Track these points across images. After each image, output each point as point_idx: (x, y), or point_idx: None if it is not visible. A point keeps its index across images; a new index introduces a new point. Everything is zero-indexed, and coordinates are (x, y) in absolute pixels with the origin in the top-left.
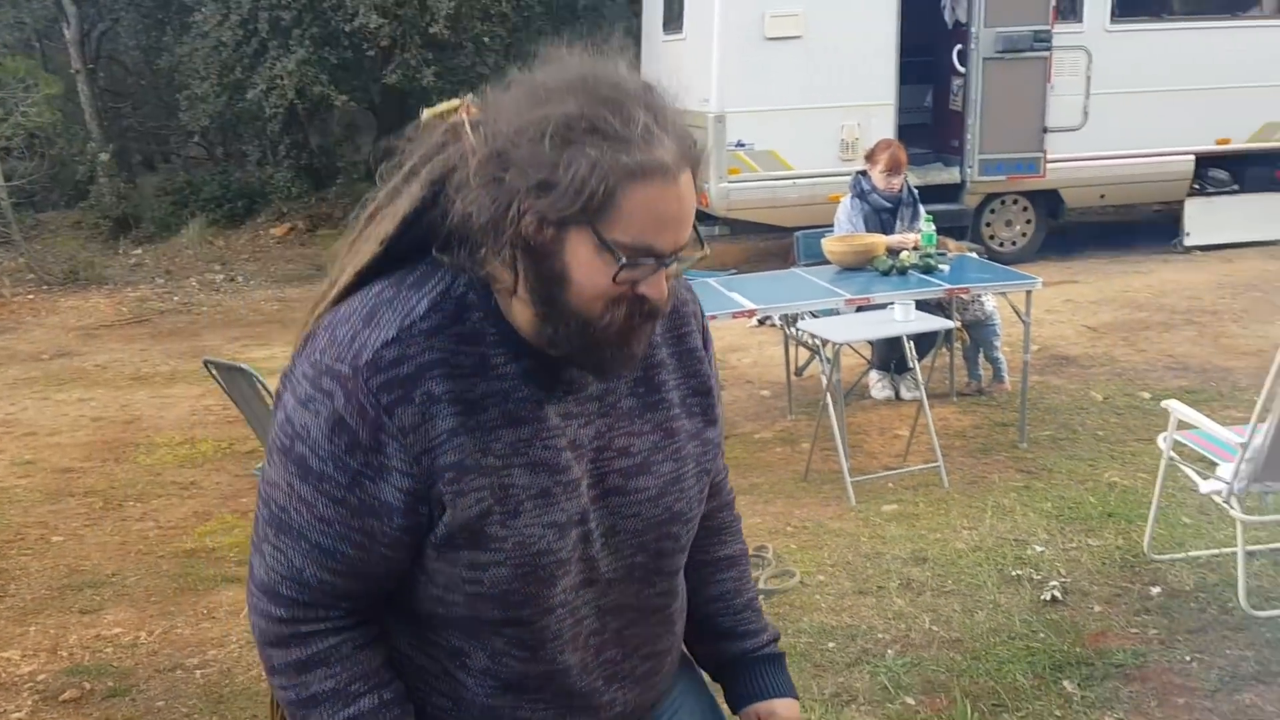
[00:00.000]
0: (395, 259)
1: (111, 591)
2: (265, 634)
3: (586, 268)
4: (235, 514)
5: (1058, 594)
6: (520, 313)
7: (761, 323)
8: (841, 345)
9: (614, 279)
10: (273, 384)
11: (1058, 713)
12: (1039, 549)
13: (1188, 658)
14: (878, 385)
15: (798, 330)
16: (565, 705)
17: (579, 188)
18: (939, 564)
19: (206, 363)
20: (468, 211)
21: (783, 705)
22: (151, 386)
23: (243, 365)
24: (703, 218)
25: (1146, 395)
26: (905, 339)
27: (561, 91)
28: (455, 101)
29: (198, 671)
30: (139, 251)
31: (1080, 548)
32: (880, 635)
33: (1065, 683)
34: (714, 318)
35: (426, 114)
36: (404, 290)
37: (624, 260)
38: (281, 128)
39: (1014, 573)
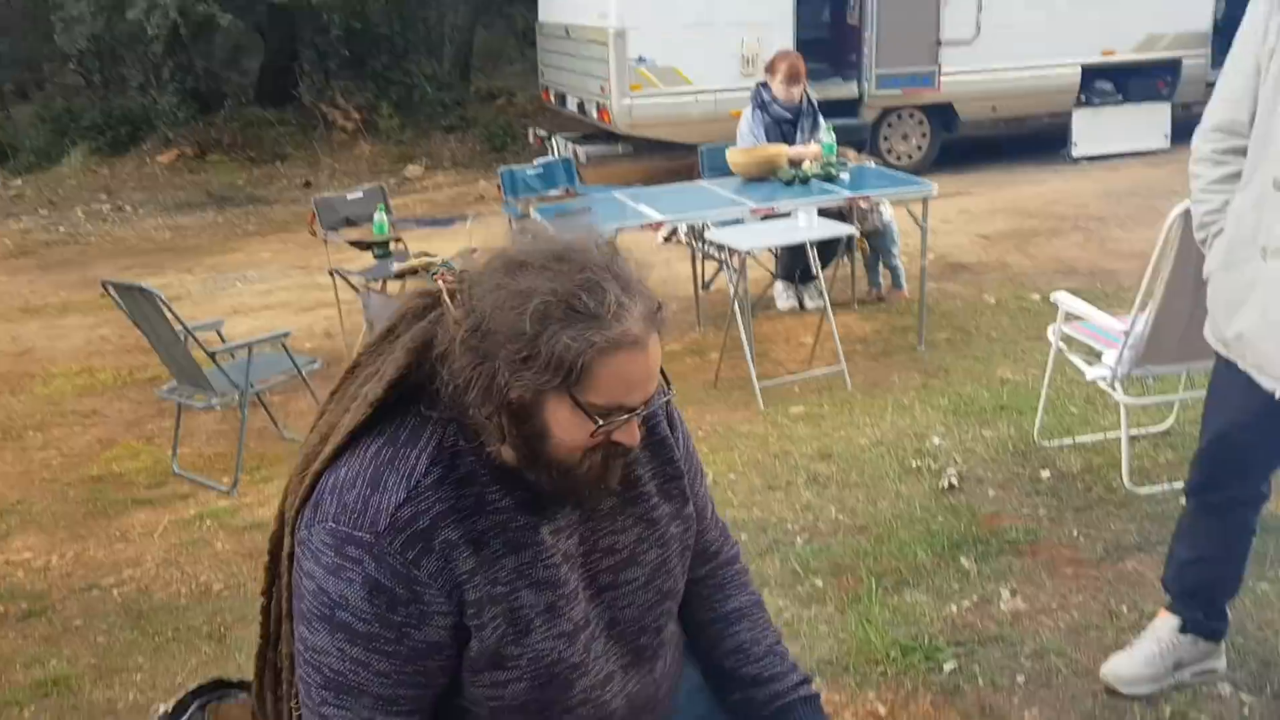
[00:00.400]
0: (381, 411)
1: (17, 519)
2: None
3: (565, 425)
4: (141, 440)
5: (954, 481)
6: (507, 454)
7: (668, 239)
8: (748, 253)
9: (591, 434)
10: (177, 308)
11: (956, 585)
12: (937, 441)
13: (1075, 533)
14: (782, 296)
15: (705, 243)
16: None
17: (557, 365)
18: (844, 459)
19: (105, 284)
20: (455, 382)
21: None
22: (43, 318)
23: (143, 285)
24: (607, 136)
25: (1036, 297)
26: (809, 247)
27: (537, 269)
28: (427, 259)
29: (114, 590)
30: (18, 182)
31: (975, 439)
32: (790, 526)
33: (963, 559)
34: (621, 230)
35: (396, 269)
36: (400, 449)
37: (600, 422)
38: (164, 50)
39: (914, 464)
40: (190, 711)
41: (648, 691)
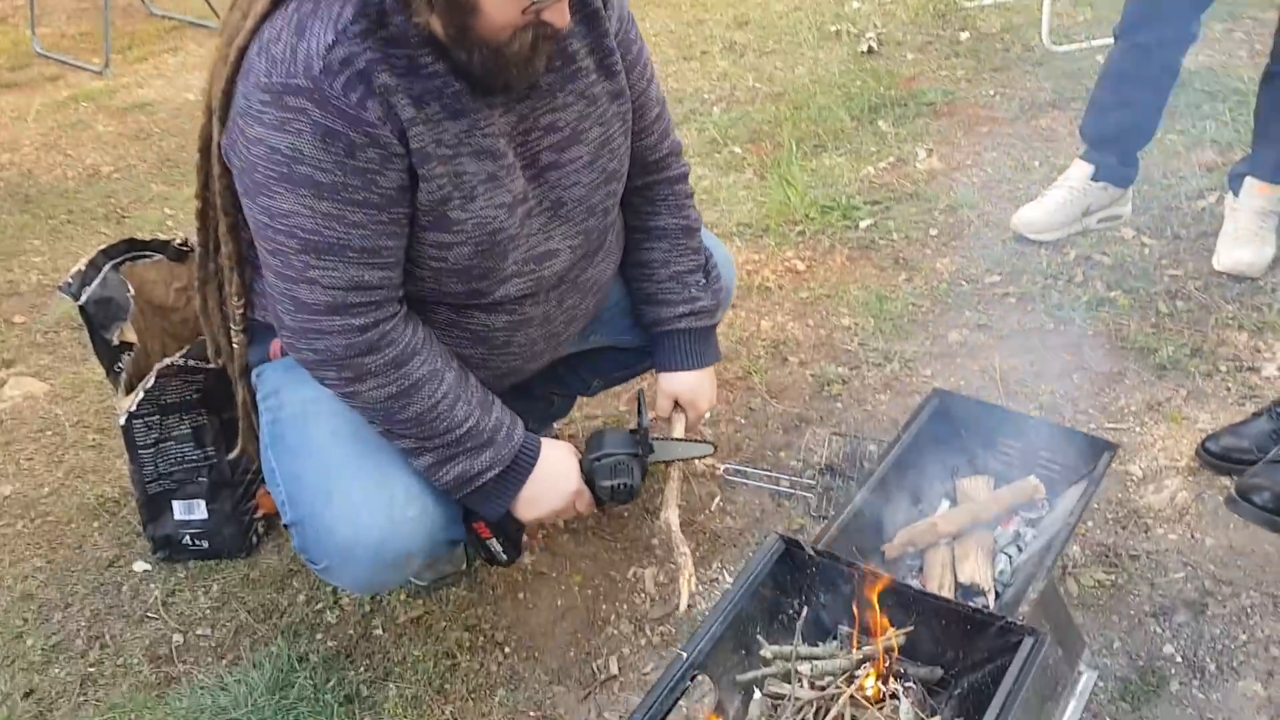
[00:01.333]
0: None
1: None
2: (351, 347)
3: (497, 1)
4: None
5: (874, 45)
6: (436, 27)
7: None
8: None
9: (522, 12)
10: None
11: (873, 148)
12: (856, 5)
13: (991, 92)
14: None
15: None
16: (530, 352)
17: None
18: (760, 26)
19: None
20: None
21: (688, 378)
22: None
23: None
24: None
25: None
26: None
27: None
28: None
29: None
30: None
31: (896, 1)
32: (706, 95)
33: (880, 122)
34: None
35: None
36: (322, 2)
37: None
38: None
39: (833, 29)
40: (104, 271)
41: (585, 274)
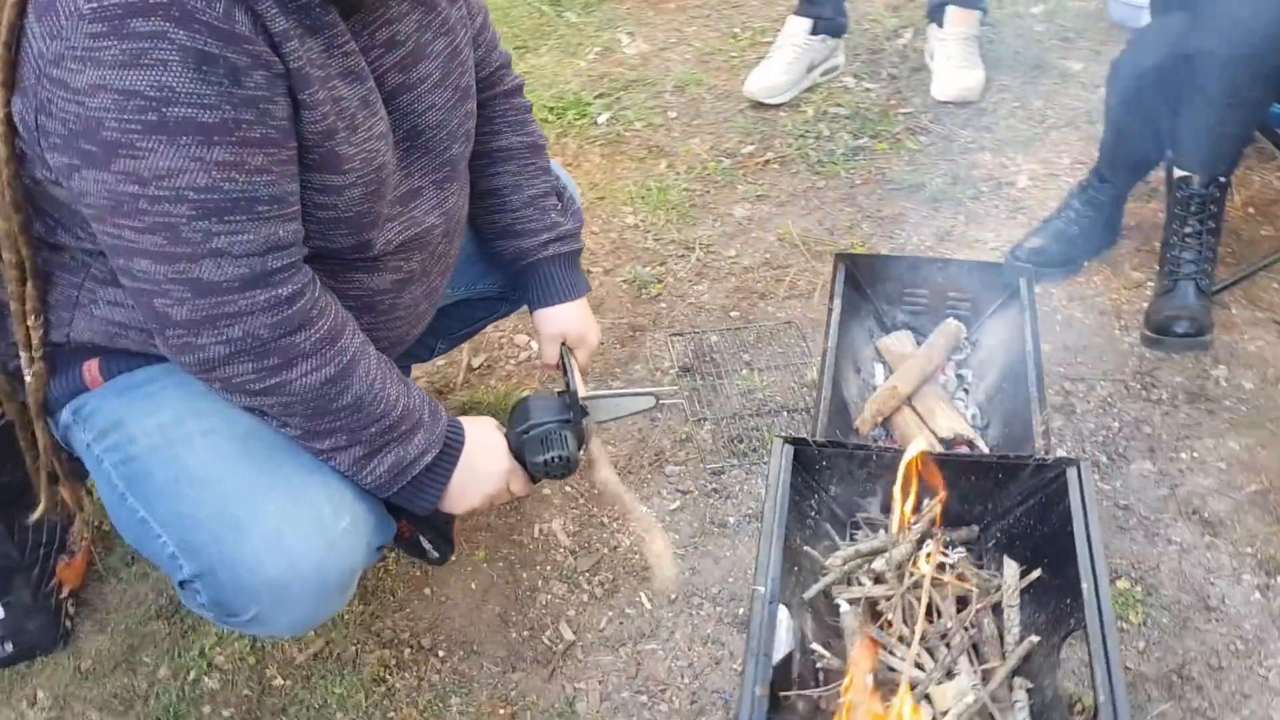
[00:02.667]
0: None
1: None
2: (280, 325)
3: None
4: None
5: None
6: None
7: None
8: None
9: None
10: None
11: (575, 40)
12: None
13: None
14: None
15: None
16: (415, 314)
17: None
18: None
19: None
20: None
21: (569, 311)
22: None
23: None
24: None
25: None
26: None
27: None
28: None
29: None
30: None
31: None
32: None
33: (568, 14)
34: None
35: None
36: None
37: None
38: None
39: None
40: None
41: (459, 210)
